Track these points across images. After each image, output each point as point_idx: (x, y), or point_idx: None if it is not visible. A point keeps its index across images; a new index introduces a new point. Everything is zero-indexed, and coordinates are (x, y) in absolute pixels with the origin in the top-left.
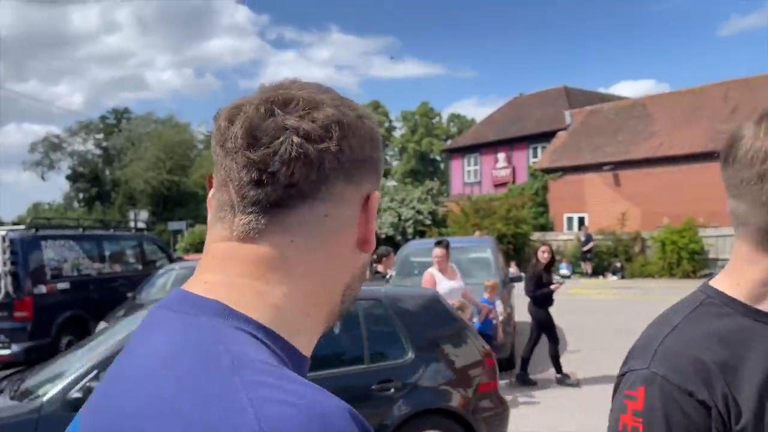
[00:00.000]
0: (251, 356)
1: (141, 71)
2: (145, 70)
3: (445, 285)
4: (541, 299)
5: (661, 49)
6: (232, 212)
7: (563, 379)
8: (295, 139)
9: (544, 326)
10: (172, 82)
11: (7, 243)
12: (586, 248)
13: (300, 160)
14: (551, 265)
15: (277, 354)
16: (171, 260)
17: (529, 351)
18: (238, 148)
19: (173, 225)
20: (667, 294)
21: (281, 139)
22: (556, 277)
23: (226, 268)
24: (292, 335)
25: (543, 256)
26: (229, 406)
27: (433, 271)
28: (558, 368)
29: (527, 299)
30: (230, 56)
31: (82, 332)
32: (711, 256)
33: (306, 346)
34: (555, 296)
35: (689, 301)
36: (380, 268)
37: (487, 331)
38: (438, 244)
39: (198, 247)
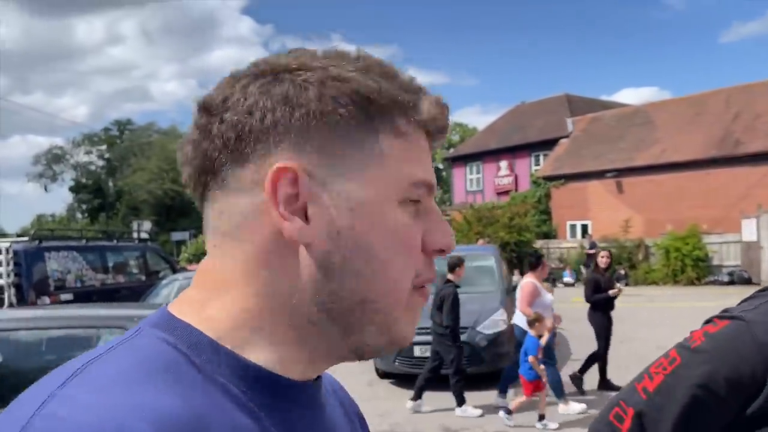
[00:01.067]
0: (113, 368)
1: (145, 82)
2: (149, 82)
3: (547, 298)
4: (600, 304)
5: (664, 56)
6: None
7: (578, 381)
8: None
9: (602, 330)
10: (176, 93)
11: (10, 255)
12: (590, 252)
13: (184, 156)
14: (607, 269)
15: (199, 365)
16: (174, 270)
17: (603, 358)
18: None
19: (176, 235)
20: (671, 301)
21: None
22: (617, 284)
23: (195, 279)
24: (239, 348)
25: (602, 261)
26: (12, 415)
27: (534, 281)
28: (584, 370)
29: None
30: (234, 66)
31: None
32: (715, 262)
33: (278, 363)
34: (556, 304)
35: None
36: (451, 277)
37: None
38: (532, 256)
39: (201, 257)
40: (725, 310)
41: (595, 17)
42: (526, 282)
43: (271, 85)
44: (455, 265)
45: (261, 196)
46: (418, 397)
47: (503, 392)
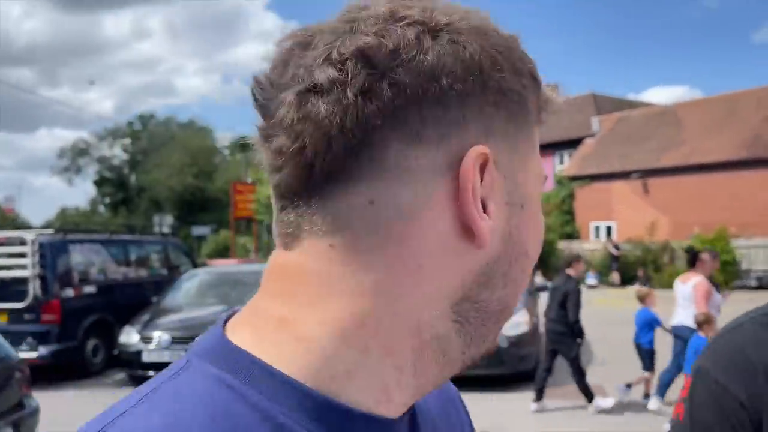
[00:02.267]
0: (141, 427)
1: (170, 77)
2: (174, 76)
3: (717, 298)
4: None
5: (695, 55)
6: (275, 206)
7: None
8: (290, 97)
9: None
10: (200, 88)
11: (36, 247)
12: (616, 254)
13: (304, 125)
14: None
15: (264, 411)
16: (195, 265)
17: None
18: (258, 121)
19: (197, 230)
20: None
21: (281, 97)
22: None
23: (267, 286)
24: (336, 381)
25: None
26: None
27: (706, 281)
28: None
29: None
30: (257, 62)
31: (107, 336)
32: (743, 267)
33: (372, 402)
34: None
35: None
36: (571, 272)
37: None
38: (689, 252)
39: (221, 252)
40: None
41: (626, 15)
42: (700, 281)
43: (455, 45)
44: (573, 260)
45: (436, 186)
46: (539, 398)
47: (661, 396)
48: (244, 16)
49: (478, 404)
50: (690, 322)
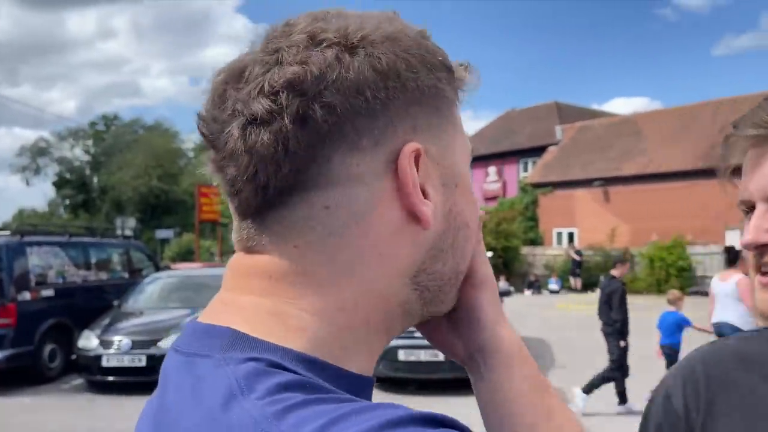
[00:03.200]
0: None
1: (136, 78)
2: (139, 77)
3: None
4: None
5: (656, 67)
6: (234, 218)
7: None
8: (234, 131)
9: None
10: (167, 89)
11: None
12: (578, 259)
13: (251, 154)
14: None
15: (316, 387)
16: (158, 268)
17: None
18: (209, 154)
19: (161, 233)
20: (655, 311)
21: (226, 131)
22: None
23: (240, 284)
24: (342, 358)
25: None
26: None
27: (746, 278)
28: None
29: (520, 314)
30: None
31: (66, 340)
32: (699, 273)
33: (365, 364)
34: (542, 312)
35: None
36: (615, 273)
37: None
38: (728, 251)
39: (185, 255)
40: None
41: (589, 26)
42: (742, 278)
43: (372, 58)
44: (618, 261)
45: (379, 184)
46: (624, 400)
47: None
48: (214, 17)
49: (441, 408)
50: (734, 319)
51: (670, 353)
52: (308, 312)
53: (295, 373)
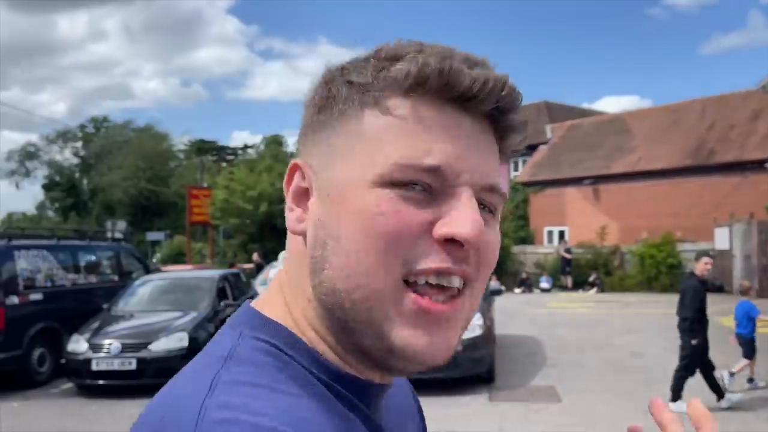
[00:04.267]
0: (246, 375)
1: (127, 80)
2: (130, 79)
3: None
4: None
5: (646, 65)
6: None
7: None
8: None
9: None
10: (158, 91)
11: None
12: (568, 257)
13: None
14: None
15: (292, 364)
16: (148, 271)
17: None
18: None
19: (152, 235)
20: (645, 308)
21: None
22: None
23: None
24: (315, 343)
25: (704, 268)
26: (176, 419)
27: None
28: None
29: (511, 312)
30: (218, 66)
31: (55, 345)
32: (688, 270)
33: (324, 351)
34: (532, 309)
35: None
36: (695, 270)
37: None
38: None
39: (176, 258)
40: None
41: (579, 26)
42: None
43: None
44: (697, 257)
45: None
46: (677, 397)
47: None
48: (205, 19)
49: (433, 407)
50: None
51: (744, 342)
52: (292, 308)
53: (298, 362)
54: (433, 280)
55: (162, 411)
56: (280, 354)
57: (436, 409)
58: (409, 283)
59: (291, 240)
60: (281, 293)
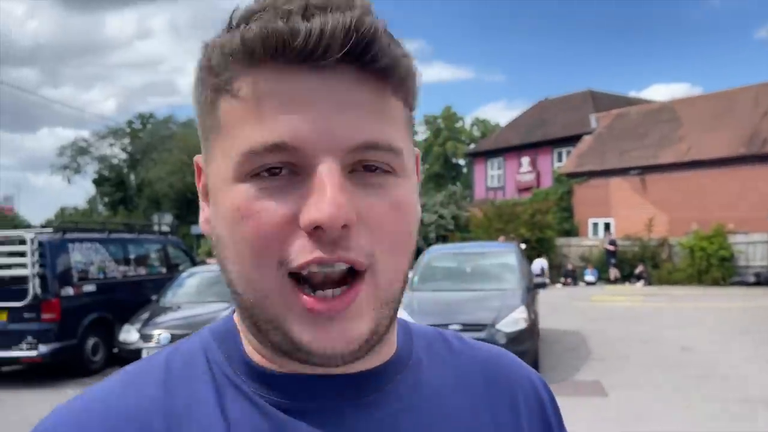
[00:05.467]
0: (134, 367)
1: (172, 76)
2: (175, 76)
3: None
4: None
5: (696, 52)
6: None
7: None
8: None
9: None
10: None
11: (35, 245)
12: (611, 248)
13: None
14: None
15: (212, 361)
16: (194, 263)
17: None
18: None
19: (196, 229)
20: (695, 301)
21: None
22: None
23: None
24: (243, 340)
25: None
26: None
27: None
28: None
29: (556, 306)
30: None
31: (107, 334)
32: (741, 263)
33: (260, 354)
34: (577, 303)
35: None
36: None
37: None
38: None
39: None
40: None
41: (626, 13)
42: None
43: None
44: None
45: None
46: None
47: None
48: None
49: None
50: None
51: None
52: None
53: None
54: (316, 269)
55: None
56: (195, 351)
57: None
58: (300, 278)
59: None
60: None
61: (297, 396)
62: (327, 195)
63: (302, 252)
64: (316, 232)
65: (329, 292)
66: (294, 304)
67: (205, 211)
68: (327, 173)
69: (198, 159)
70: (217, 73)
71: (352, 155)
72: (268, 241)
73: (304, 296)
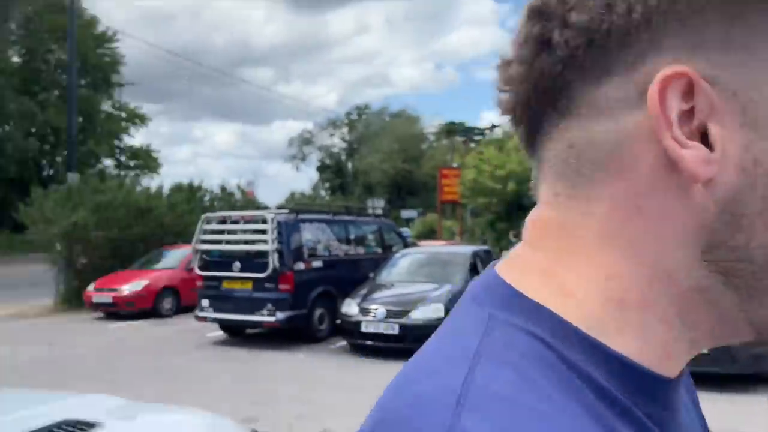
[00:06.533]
0: (504, 376)
1: (385, 69)
2: (388, 68)
3: None
4: None
5: None
6: None
7: None
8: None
9: None
10: (412, 77)
11: (275, 225)
12: None
13: (507, 93)
14: None
15: (557, 365)
16: (406, 245)
17: None
18: None
19: (405, 213)
20: None
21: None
22: None
23: (525, 234)
24: (612, 339)
25: None
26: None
27: None
28: None
29: None
30: (470, 48)
31: (331, 306)
32: None
33: (660, 357)
34: None
35: None
36: None
37: None
38: None
39: (428, 234)
40: None
41: None
42: None
43: None
44: None
45: (632, 119)
46: None
47: None
48: (458, 2)
49: (705, 405)
50: None
51: None
52: (578, 277)
53: (564, 360)
54: None
55: (402, 415)
56: (544, 351)
57: (709, 406)
58: None
59: (629, 191)
60: (557, 264)
61: (666, 403)
62: None
63: None
64: None
65: None
66: None
67: (694, 149)
68: None
69: (689, 72)
70: None
71: None
72: None
73: None
